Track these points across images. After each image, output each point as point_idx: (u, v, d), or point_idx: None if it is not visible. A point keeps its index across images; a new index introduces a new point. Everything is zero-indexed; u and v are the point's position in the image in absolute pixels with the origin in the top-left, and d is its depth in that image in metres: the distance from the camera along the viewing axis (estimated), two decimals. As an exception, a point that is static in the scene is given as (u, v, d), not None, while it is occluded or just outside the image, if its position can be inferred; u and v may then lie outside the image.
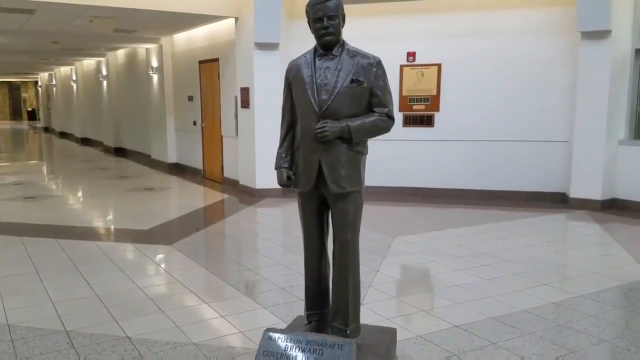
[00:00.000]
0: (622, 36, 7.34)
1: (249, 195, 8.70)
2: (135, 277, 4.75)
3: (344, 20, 2.94)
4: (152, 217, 7.33)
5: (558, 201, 7.99)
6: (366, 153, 2.99)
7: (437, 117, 8.43)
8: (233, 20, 8.89)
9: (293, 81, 2.97)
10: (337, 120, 2.82)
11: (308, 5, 2.89)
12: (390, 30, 8.37)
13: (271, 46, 8.19)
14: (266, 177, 8.33)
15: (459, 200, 8.28)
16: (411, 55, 8.41)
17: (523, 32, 8.01)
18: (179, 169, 12.08)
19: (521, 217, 7.16)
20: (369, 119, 2.87)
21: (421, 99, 8.45)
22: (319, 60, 2.90)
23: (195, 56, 10.91)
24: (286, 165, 3.02)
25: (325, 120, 2.82)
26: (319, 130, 2.80)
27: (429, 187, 8.55)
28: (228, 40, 9.41)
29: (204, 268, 5.08)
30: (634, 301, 4.20)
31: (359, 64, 2.86)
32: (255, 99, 8.42)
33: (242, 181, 9.08)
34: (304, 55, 3.00)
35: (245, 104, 8.71)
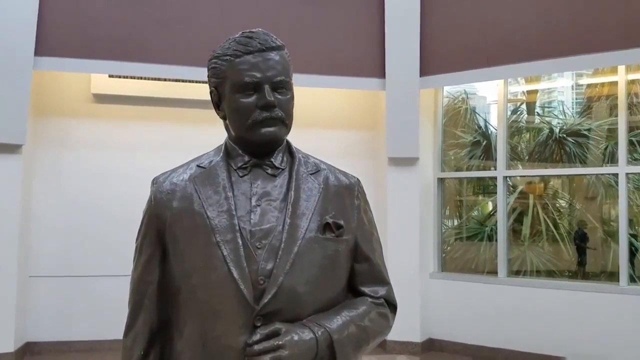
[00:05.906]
0: (426, 164, 7.10)
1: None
2: None
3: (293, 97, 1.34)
4: None
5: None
6: None
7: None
8: (-48, 111, 6.36)
9: (175, 225, 1.24)
10: (292, 321, 1.15)
11: (220, 57, 1.28)
12: (146, 138, 6.76)
13: (10, 148, 5.85)
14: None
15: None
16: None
17: (332, 154, 7.28)
18: None
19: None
20: (357, 312, 1.25)
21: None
22: (243, 176, 1.25)
23: None
24: None
25: (273, 326, 1.12)
26: (265, 352, 1.10)
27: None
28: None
29: None
30: None
31: (331, 190, 1.28)
32: (-22, 222, 5.82)
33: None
34: (196, 163, 1.31)
35: (-39, 228, 6.00)
